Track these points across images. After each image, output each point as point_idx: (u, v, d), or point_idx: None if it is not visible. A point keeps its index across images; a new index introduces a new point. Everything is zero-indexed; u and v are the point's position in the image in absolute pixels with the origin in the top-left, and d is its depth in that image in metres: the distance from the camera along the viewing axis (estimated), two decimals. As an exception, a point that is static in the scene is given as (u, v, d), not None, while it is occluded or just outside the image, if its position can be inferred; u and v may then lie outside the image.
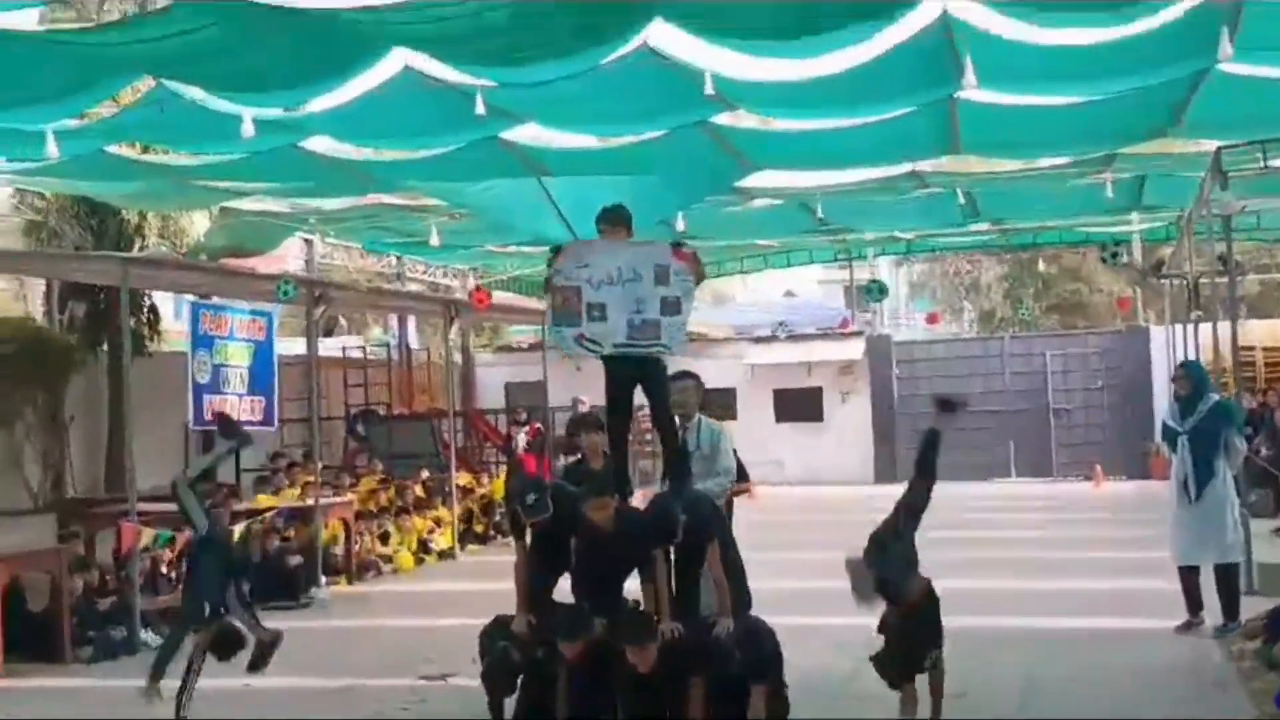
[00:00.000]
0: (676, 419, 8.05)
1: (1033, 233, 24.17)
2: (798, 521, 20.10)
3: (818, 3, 8.34)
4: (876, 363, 26.68)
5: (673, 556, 7.22)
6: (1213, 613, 9.92)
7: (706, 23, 8.92)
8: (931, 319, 32.64)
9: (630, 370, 7.59)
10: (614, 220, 7.74)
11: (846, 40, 9.01)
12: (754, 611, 7.60)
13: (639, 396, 7.81)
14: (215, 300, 15.12)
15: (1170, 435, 10.31)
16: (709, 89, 9.73)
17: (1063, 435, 25.75)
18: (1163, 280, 22.24)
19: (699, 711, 6.70)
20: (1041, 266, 32.06)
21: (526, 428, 19.56)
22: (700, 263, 7.88)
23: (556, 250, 7.85)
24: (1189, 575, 10.08)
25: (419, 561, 15.79)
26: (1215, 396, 10.42)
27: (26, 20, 8.98)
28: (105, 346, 15.69)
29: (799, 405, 26.68)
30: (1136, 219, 21.71)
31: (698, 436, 8.36)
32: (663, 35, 9.38)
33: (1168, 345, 21.64)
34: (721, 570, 7.21)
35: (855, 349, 26.72)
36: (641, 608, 6.98)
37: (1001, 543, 16.19)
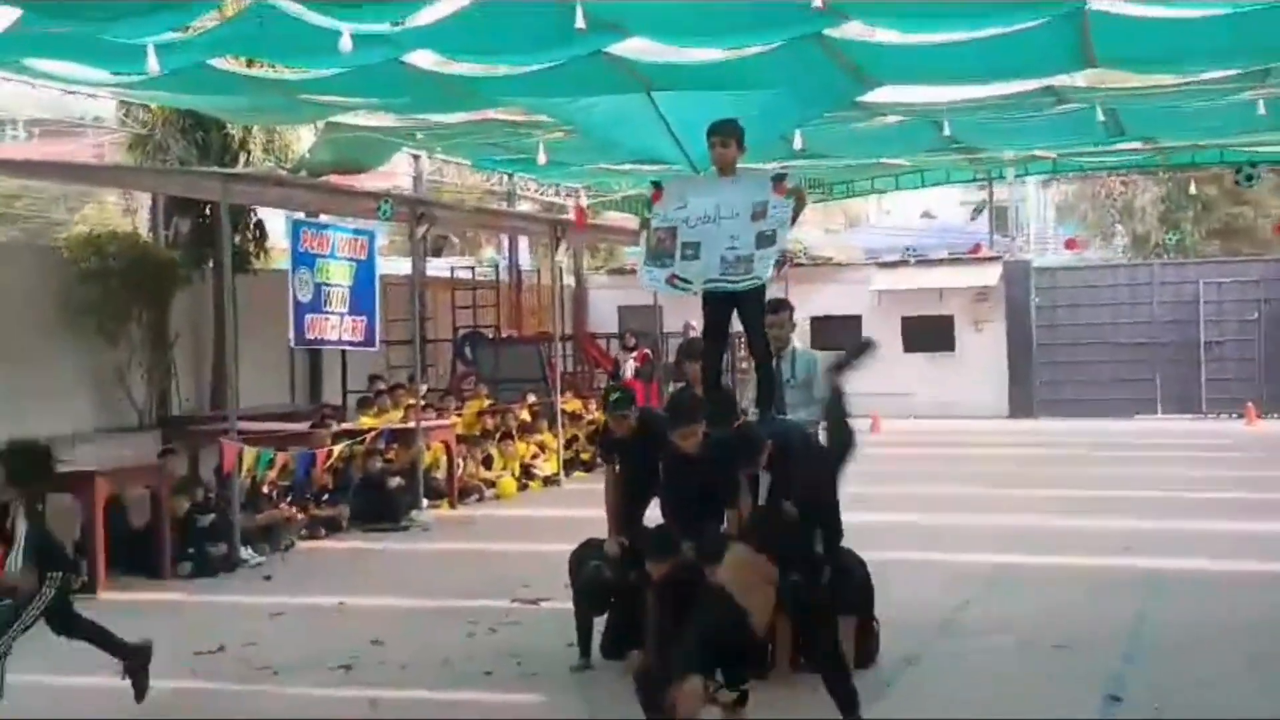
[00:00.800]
0: (772, 346, 8.33)
1: (1190, 151, 23.65)
2: (920, 455, 20.28)
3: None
4: (1014, 290, 26.48)
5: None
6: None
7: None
8: (1069, 244, 32.17)
9: (726, 298, 7.87)
10: (726, 134, 7.92)
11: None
12: (863, 547, 7.90)
13: (737, 323, 8.12)
14: (320, 218, 15.69)
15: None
16: (817, 1, 9.84)
17: (1214, 370, 25.36)
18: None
19: (785, 637, 7.07)
20: (1197, 189, 31.28)
21: (634, 353, 19.93)
22: (803, 194, 8.08)
23: (656, 186, 8.13)
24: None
25: (522, 487, 16.33)
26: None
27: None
28: (210, 264, 16.36)
29: (929, 334, 26.64)
30: (1305, 136, 21.16)
31: (793, 365, 8.62)
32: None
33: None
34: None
35: (991, 275, 26.53)
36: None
37: (1138, 480, 16.21)
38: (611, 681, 7.42)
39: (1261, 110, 15.86)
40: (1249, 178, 23.20)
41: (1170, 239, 35.09)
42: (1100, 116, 16.89)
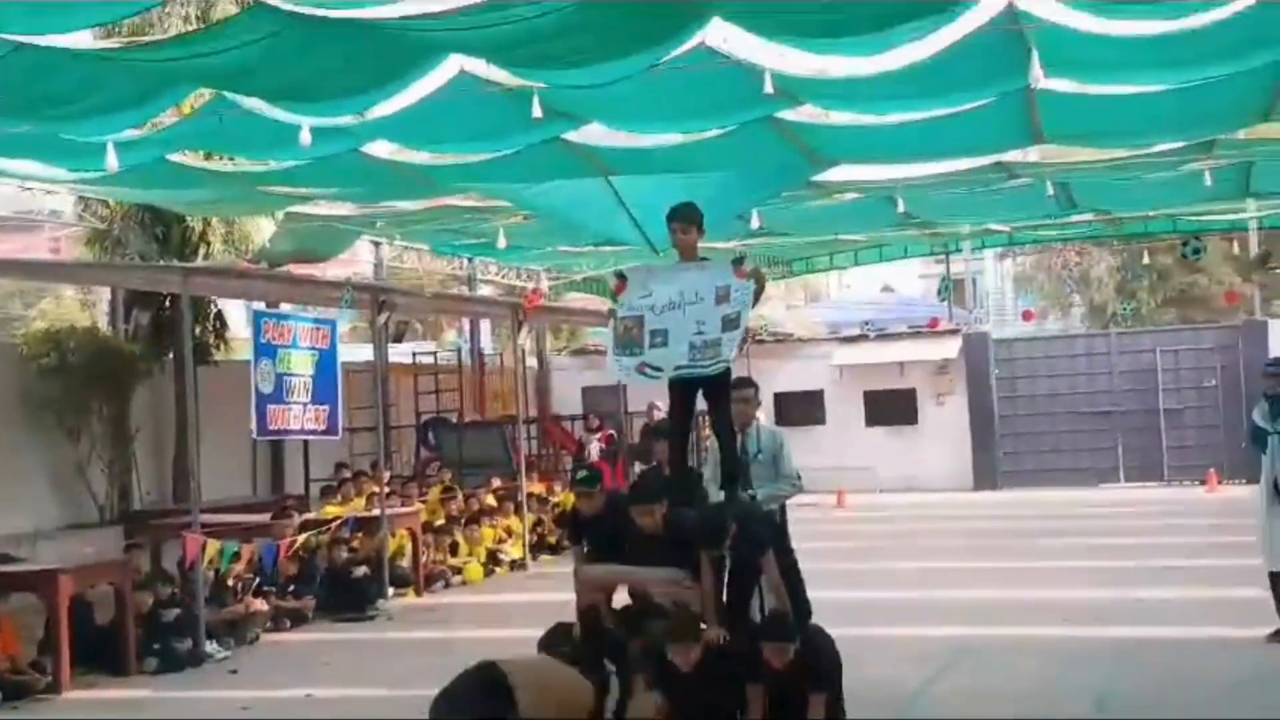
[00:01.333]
0: (736, 423, 8.48)
1: (1143, 221, 24.08)
2: (886, 530, 20.40)
3: (872, 2, 8.65)
4: (974, 362, 26.72)
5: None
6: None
7: (765, 21, 9.28)
8: (1027, 315, 32.55)
9: (692, 380, 8.01)
10: (686, 219, 8.10)
11: (906, 36, 9.31)
12: (832, 623, 8.00)
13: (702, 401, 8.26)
14: (281, 307, 15.78)
15: (1260, 436, 10.51)
16: (769, 87, 10.10)
17: (1174, 437, 25.62)
18: (1272, 271, 22.14)
19: (757, 713, 7.16)
20: (1151, 259, 31.81)
21: (599, 434, 20.04)
22: (762, 275, 8.28)
23: (620, 276, 8.29)
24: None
25: (489, 573, 16.32)
26: (1310, 395, 10.58)
27: (81, 39, 9.58)
28: (170, 356, 16.40)
29: (891, 408, 26.83)
30: (1253, 205, 21.61)
31: (758, 441, 8.78)
32: (721, 34, 9.79)
33: (1289, 340, 21.55)
34: (779, 581, 7.63)
35: (951, 348, 26.79)
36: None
37: (1100, 550, 16.37)
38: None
39: (1208, 181, 16.25)
40: (1195, 250, 23.68)
41: (1126, 308, 35.57)
42: (1050, 190, 17.28)
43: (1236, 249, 26.49)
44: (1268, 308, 28.00)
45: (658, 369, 7.98)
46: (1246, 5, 9.06)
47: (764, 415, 9.14)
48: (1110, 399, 26.04)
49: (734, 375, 8.39)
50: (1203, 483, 23.92)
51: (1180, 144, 14.60)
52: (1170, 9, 8.87)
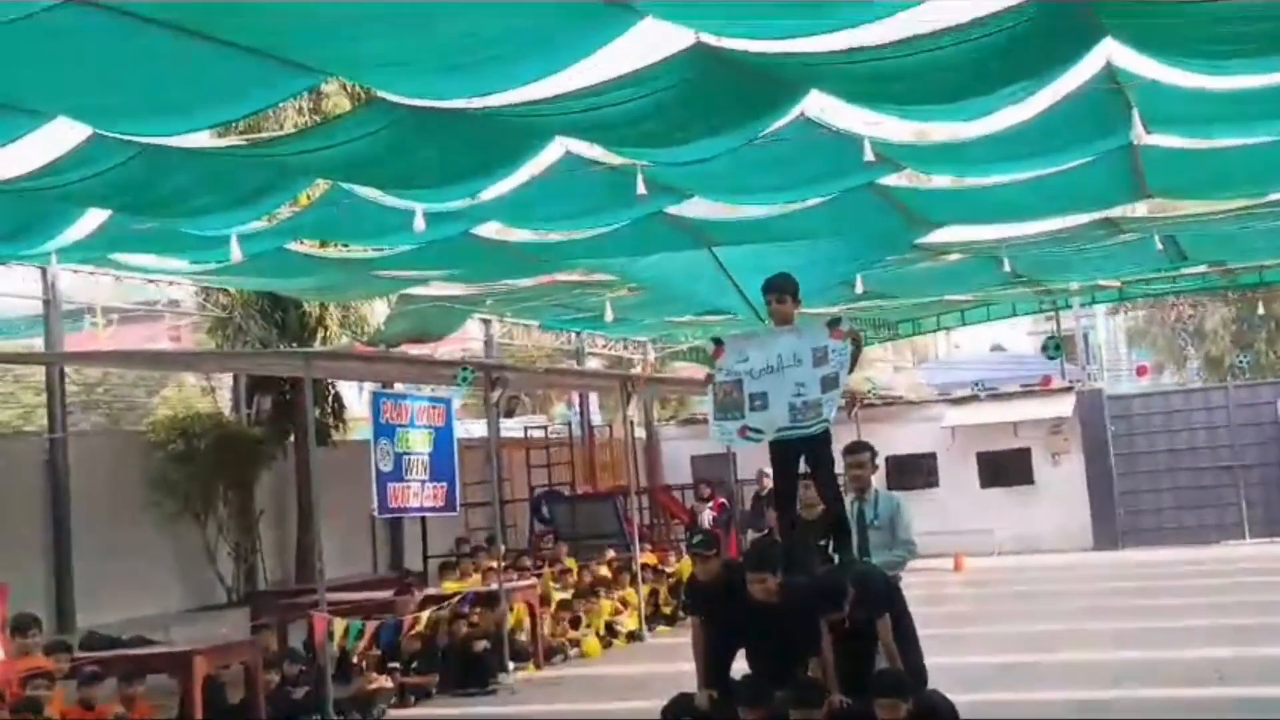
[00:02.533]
0: (849, 491, 8.55)
1: (1257, 271, 23.75)
2: (1004, 593, 20.14)
3: (973, 65, 8.76)
4: (1089, 419, 26.33)
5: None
6: None
7: (863, 90, 9.45)
8: (1141, 371, 32.08)
9: (794, 441, 8.10)
10: (781, 290, 8.22)
11: (1005, 100, 9.41)
12: (951, 689, 7.99)
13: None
14: (397, 388, 16.12)
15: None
16: (869, 155, 10.25)
17: (1301, 490, 25.03)
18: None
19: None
20: (1266, 309, 31.25)
21: (710, 503, 20.07)
22: (859, 335, 8.37)
23: (717, 342, 8.44)
24: None
25: (606, 645, 16.39)
26: None
27: (199, 139, 10.05)
28: (292, 438, 16.79)
29: (1006, 468, 26.50)
30: (1370, 252, 21.23)
31: (875, 508, 8.81)
32: (819, 105, 9.98)
33: None
34: (893, 644, 7.65)
35: (1065, 405, 26.42)
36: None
37: (1229, 608, 16.00)
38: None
39: (1313, 230, 16.08)
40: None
41: (1244, 360, 34.93)
42: (1159, 244, 17.16)
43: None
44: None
45: (759, 430, 8.08)
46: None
47: (876, 481, 9.11)
48: (1231, 453, 25.50)
49: (851, 439, 8.46)
50: (1331, 536, 23.32)
51: (1282, 193, 14.50)
52: (1270, 63, 8.86)
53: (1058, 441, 26.40)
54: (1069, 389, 27.26)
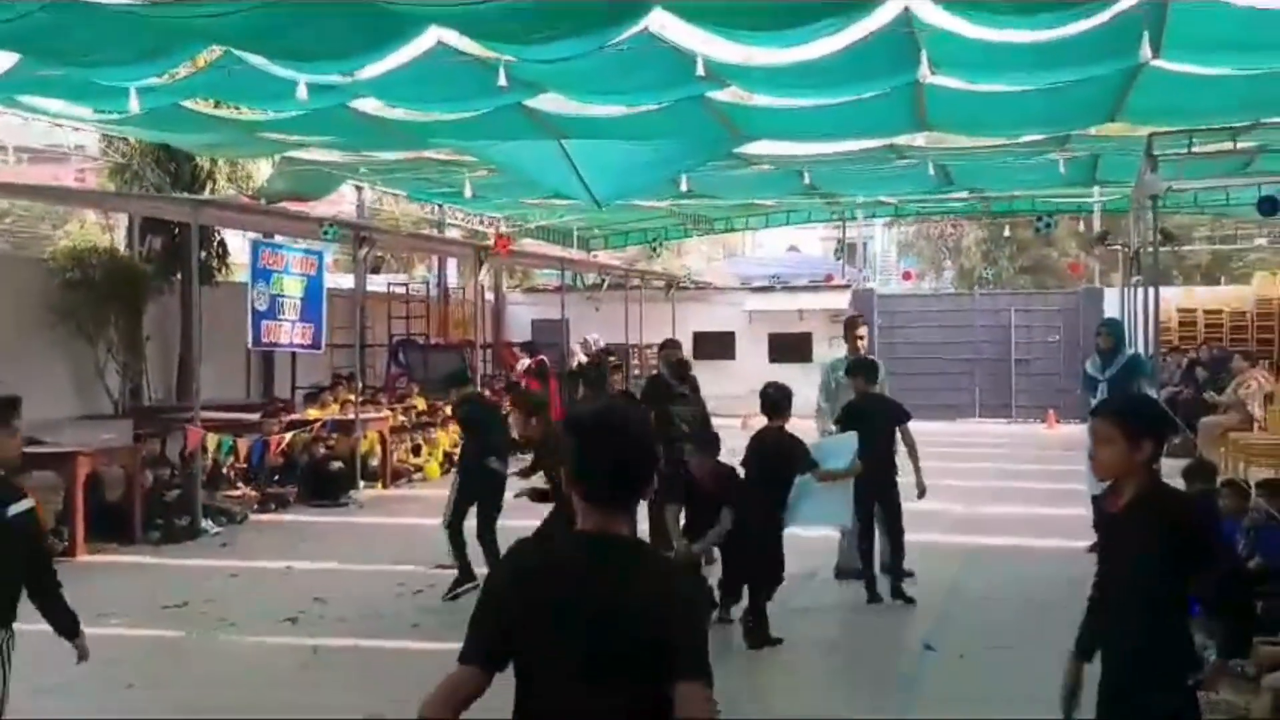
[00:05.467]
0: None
1: (1008, 201, 24.35)
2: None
3: (790, 5, 8.63)
4: (862, 312, 26.84)
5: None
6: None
7: (698, 12, 9.23)
8: (906, 276, 32.86)
9: None
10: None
11: (820, 32, 9.30)
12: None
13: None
14: (276, 239, 15.57)
15: (1091, 383, 10.72)
16: (700, 70, 10.06)
17: (1022, 382, 26.06)
18: (1110, 248, 22.46)
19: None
20: (1011, 232, 32.18)
21: (531, 358, 19.97)
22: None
23: None
24: (1098, 503, 10.51)
25: (445, 470, 16.31)
26: (1132, 350, 10.79)
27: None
28: (179, 276, 16.16)
29: (792, 347, 26.96)
30: (1097, 191, 21.90)
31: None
32: (661, 22, 9.72)
33: (1120, 305, 21.89)
34: None
35: (842, 300, 27.00)
36: None
37: (961, 473, 16.58)
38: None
39: (1062, 169, 16.47)
40: (1047, 225, 23.98)
41: (989, 273, 35.98)
42: (932, 170, 17.40)
43: (1082, 227, 26.89)
44: (1105, 278, 28.42)
45: None
46: (1101, 22, 9.15)
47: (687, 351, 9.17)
48: (972, 348, 26.37)
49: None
50: (1043, 421, 24.34)
51: (1042, 136, 14.75)
52: (1040, 21, 8.90)
53: (835, 328, 26.91)
54: (847, 286, 27.80)
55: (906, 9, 9.09)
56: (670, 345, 11.44)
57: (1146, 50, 8.96)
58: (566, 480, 2.67)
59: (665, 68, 10.49)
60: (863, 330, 10.25)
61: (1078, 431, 23.35)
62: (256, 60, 10.33)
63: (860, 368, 9.45)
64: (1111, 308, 23.83)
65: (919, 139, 15.71)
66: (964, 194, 22.35)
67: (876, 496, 8.83)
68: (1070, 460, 17.46)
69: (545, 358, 20.07)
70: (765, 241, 43.77)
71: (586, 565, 2.57)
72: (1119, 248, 21.48)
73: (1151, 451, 3.67)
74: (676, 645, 2.49)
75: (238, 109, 13.93)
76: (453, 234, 24.29)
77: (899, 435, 9.14)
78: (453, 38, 10.05)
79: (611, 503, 2.62)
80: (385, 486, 14.93)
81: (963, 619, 8.46)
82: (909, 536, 9.08)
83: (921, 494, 9.09)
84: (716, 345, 26.61)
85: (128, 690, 6.70)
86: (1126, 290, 21.34)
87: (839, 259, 28.21)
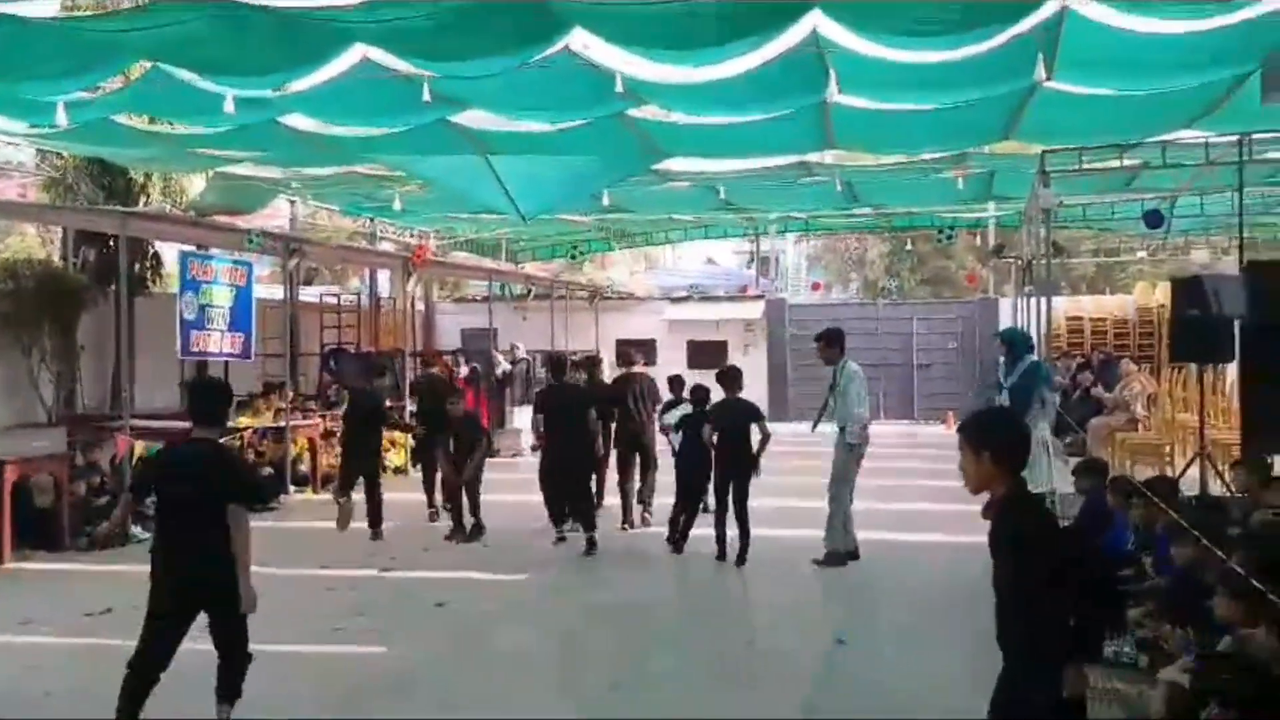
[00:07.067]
0: None
1: (907, 216, 24.49)
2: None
3: (707, 20, 8.44)
4: (773, 321, 26.98)
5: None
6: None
7: (617, 31, 9.03)
8: (815, 287, 33.02)
9: None
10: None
11: (732, 52, 9.14)
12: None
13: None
14: (207, 250, 15.07)
15: (999, 388, 10.72)
16: (620, 87, 9.85)
17: (924, 386, 26.25)
18: (1004, 260, 22.68)
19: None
20: (912, 246, 32.49)
21: (466, 368, 19.67)
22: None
23: None
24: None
25: (376, 476, 15.90)
26: (1031, 358, 10.78)
27: (46, 8, 8.91)
28: (112, 287, 15.60)
29: (708, 354, 26.84)
30: (992, 206, 22.09)
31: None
32: (581, 41, 9.50)
33: (1014, 314, 22.11)
34: None
35: (756, 310, 27.02)
36: None
37: (864, 471, 16.51)
38: (440, 631, 7.25)
39: (960, 185, 16.53)
40: (948, 237, 24.16)
41: (892, 285, 36.25)
42: (839, 187, 17.38)
43: (978, 241, 27.15)
44: (999, 289, 28.75)
45: None
46: (999, 44, 9.11)
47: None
48: (877, 355, 26.42)
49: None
50: (943, 422, 24.49)
51: (942, 154, 14.77)
52: (943, 42, 8.82)
53: (749, 336, 26.97)
54: (760, 297, 27.81)
55: (815, 30, 8.97)
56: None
57: (1041, 71, 8.92)
58: None
59: (586, 85, 10.26)
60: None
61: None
62: (184, 75, 9.93)
63: (727, 376, 10.79)
64: (1005, 317, 24.12)
65: (827, 156, 15.66)
66: (868, 210, 22.39)
67: (733, 479, 10.05)
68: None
69: (477, 365, 19.76)
70: (685, 254, 43.74)
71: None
72: (1012, 260, 21.67)
73: (994, 461, 3.74)
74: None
75: (170, 124, 13.46)
76: (385, 247, 23.85)
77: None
78: (378, 54, 9.73)
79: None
80: (315, 491, 14.50)
81: (869, 612, 8.34)
82: (814, 531, 8.97)
83: (757, 473, 10.21)
84: (637, 351, 26.39)
85: (45, 698, 6.30)
86: (1020, 300, 21.58)
87: (751, 268, 28.19)
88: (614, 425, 12.03)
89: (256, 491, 6.40)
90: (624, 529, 11.64)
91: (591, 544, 10.52)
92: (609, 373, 14.06)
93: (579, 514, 10.82)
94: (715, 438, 10.16)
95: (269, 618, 7.94)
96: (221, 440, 5.67)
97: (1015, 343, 10.83)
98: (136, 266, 15.17)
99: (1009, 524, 3.72)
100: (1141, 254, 26.83)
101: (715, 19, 8.23)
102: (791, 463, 14.67)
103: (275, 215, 22.02)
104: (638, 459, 12.03)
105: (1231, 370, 13.71)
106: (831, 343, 10.45)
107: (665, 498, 11.46)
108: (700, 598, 9.21)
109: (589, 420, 10.93)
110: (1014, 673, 3.71)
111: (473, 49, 8.97)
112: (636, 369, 12.47)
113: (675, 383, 12.07)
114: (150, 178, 15.95)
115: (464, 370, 19.33)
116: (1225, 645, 5.35)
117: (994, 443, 3.79)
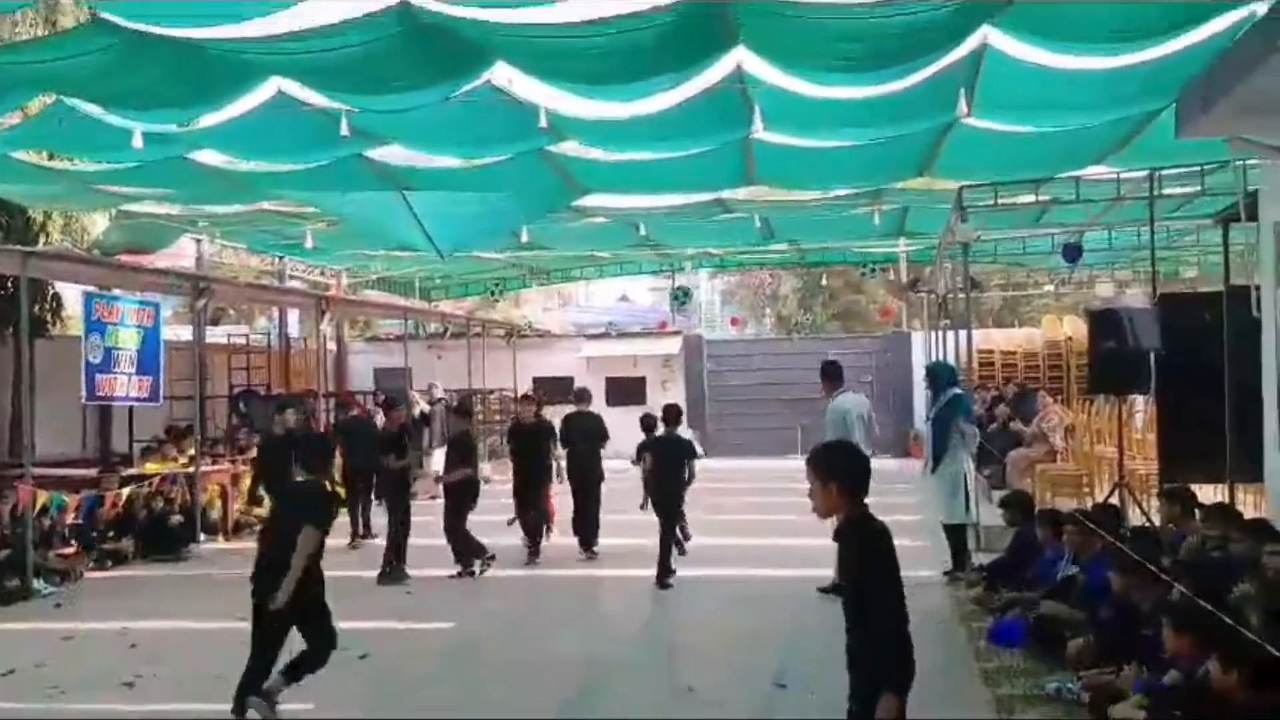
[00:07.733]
0: None
1: (821, 252, 24.75)
2: (619, 489, 20.20)
3: (632, 55, 8.37)
4: (691, 357, 26.96)
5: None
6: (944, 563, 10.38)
7: (541, 66, 8.92)
8: (733, 322, 33.15)
9: None
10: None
11: (657, 87, 9.09)
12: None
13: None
14: (112, 291, 14.52)
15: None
16: (543, 122, 9.74)
17: (840, 421, 26.34)
18: (919, 294, 22.98)
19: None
20: (828, 281, 32.80)
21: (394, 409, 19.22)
22: None
23: None
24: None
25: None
26: (954, 390, 10.81)
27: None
28: (11, 330, 14.97)
29: (626, 391, 26.71)
30: (903, 242, 22.41)
31: None
32: (505, 75, 9.38)
33: (926, 348, 22.38)
34: None
35: (674, 345, 26.98)
36: None
37: (779, 507, 16.47)
38: (395, 685, 6.93)
39: (876, 220, 16.70)
40: (871, 271, 24.46)
41: (805, 320, 36.56)
42: (757, 223, 17.46)
43: (891, 276, 27.49)
44: (911, 322, 29.12)
45: None
46: (920, 80, 9.20)
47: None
48: (792, 390, 26.54)
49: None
50: (861, 455, 24.59)
51: (858, 190, 14.91)
52: (865, 78, 8.88)
53: (667, 372, 26.88)
54: (678, 333, 27.79)
55: (739, 67, 8.97)
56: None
57: (963, 106, 9.02)
58: None
59: (509, 120, 10.17)
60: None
61: (890, 465, 23.75)
62: (90, 109, 9.57)
63: (670, 414, 11.37)
64: (919, 350, 24.41)
65: (742, 193, 15.74)
66: (784, 246, 22.57)
67: (669, 506, 10.83)
68: (886, 493, 17.62)
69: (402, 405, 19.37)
70: (597, 291, 43.70)
71: None
72: (925, 294, 21.95)
73: (839, 490, 3.99)
74: None
75: (71, 160, 13.00)
76: (294, 284, 23.34)
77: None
78: (293, 87, 9.50)
79: None
80: (227, 539, 13.98)
81: (808, 652, 8.21)
82: (757, 570, 8.84)
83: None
84: (557, 389, 26.14)
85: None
86: (934, 334, 21.85)
87: (680, 303, 28.09)
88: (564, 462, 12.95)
89: None
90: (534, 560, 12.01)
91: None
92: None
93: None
94: (654, 466, 10.90)
95: (186, 675, 7.59)
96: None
97: (939, 375, 10.88)
98: (36, 308, 14.55)
99: (854, 544, 3.99)
100: (1048, 287, 27.41)
101: (640, 53, 8.18)
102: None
103: (181, 254, 21.43)
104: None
105: (1140, 402, 13.99)
106: (825, 376, 10.71)
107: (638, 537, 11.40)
108: (643, 640, 9.01)
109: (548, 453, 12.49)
110: (854, 683, 4.03)
111: (394, 82, 8.79)
112: (586, 407, 13.60)
113: (646, 420, 12.26)
114: (50, 216, 15.41)
115: (417, 408, 18.95)
116: (1171, 679, 5.32)
117: (838, 472, 4.04)
